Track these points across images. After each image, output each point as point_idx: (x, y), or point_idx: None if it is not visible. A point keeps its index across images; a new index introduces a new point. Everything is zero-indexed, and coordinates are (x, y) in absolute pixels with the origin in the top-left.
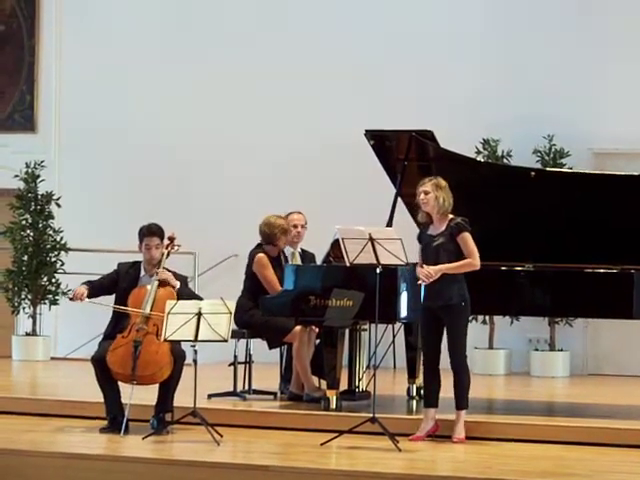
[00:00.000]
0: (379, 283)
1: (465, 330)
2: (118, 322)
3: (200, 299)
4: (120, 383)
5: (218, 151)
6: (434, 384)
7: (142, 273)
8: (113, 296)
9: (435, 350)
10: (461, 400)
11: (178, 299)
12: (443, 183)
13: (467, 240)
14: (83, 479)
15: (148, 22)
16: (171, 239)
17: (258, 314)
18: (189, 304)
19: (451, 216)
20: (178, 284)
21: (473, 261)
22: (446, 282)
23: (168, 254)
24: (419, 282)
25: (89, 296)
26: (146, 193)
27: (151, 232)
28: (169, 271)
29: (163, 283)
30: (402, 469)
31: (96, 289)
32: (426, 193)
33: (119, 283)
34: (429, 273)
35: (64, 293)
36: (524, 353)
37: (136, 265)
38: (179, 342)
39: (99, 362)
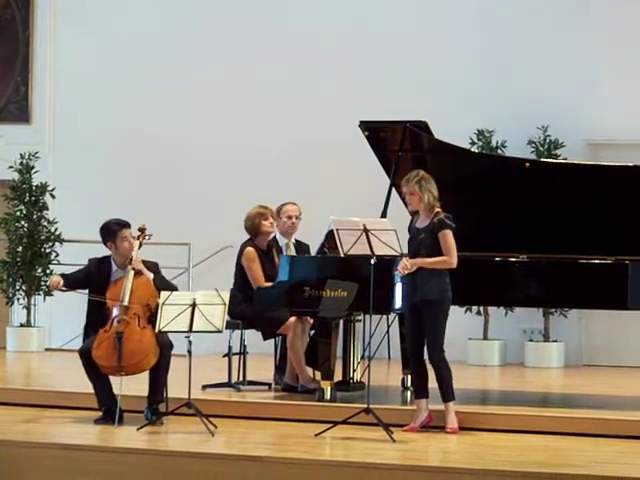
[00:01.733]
0: (373, 274)
1: (443, 325)
2: (97, 317)
3: (171, 284)
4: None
5: (213, 142)
6: (421, 375)
7: (114, 268)
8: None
9: (419, 343)
10: (446, 393)
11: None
12: (426, 177)
13: (446, 237)
14: (77, 470)
15: (144, 13)
16: (142, 230)
17: (248, 307)
18: (183, 295)
19: (437, 209)
20: (152, 276)
21: (449, 259)
22: (425, 277)
23: (140, 245)
24: (395, 272)
25: (65, 286)
26: (140, 184)
27: (123, 225)
28: (141, 260)
29: (138, 272)
30: (396, 460)
31: (72, 281)
32: (411, 194)
33: (91, 278)
34: (405, 265)
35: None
36: (518, 344)
37: (106, 260)
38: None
39: (86, 356)
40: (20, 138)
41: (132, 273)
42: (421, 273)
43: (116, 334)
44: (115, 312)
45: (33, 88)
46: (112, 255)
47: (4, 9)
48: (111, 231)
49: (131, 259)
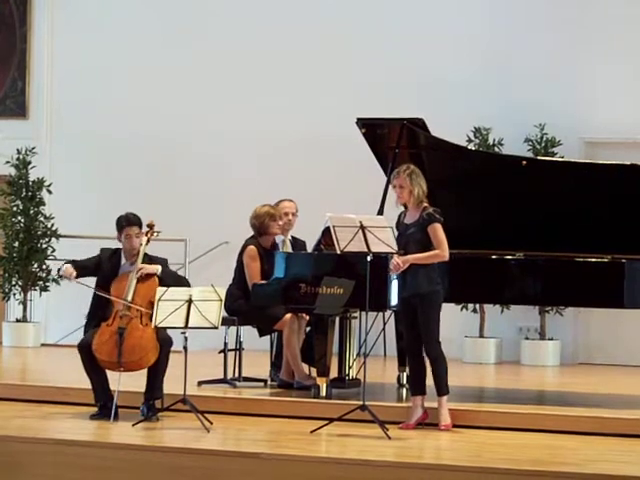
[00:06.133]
0: (370, 271)
1: (437, 317)
2: (101, 309)
3: (183, 278)
4: (108, 371)
5: (209, 139)
6: (419, 372)
7: (123, 261)
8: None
9: (416, 339)
10: (441, 387)
11: (161, 283)
12: (417, 171)
13: (437, 231)
14: (73, 465)
15: (141, 9)
16: (150, 226)
17: (245, 304)
18: (179, 291)
19: (425, 204)
20: (159, 269)
21: (441, 252)
22: (413, 272)
23: (148, 241)
24: (389, 272)
25: (77, 277)
26: (137, 180)
27: (130, 222)
28: (149, 256)
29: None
30: (392, 457)
31: (80, 269)
32: (401, 187)
33: (101, 268)
34: (397, 264)
35: (55, 280)
36: (515, 342)
37: (117, 253)
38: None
39: (85, 350)
40: (17, 133)
41: (136, 273)
42: (410, 268)
43: (118, 329)
44: (118, 307)
45: (30, 83)
46: (122, 248)
47: (2, 5)
48: (118, 226)
49: (136, 254)
